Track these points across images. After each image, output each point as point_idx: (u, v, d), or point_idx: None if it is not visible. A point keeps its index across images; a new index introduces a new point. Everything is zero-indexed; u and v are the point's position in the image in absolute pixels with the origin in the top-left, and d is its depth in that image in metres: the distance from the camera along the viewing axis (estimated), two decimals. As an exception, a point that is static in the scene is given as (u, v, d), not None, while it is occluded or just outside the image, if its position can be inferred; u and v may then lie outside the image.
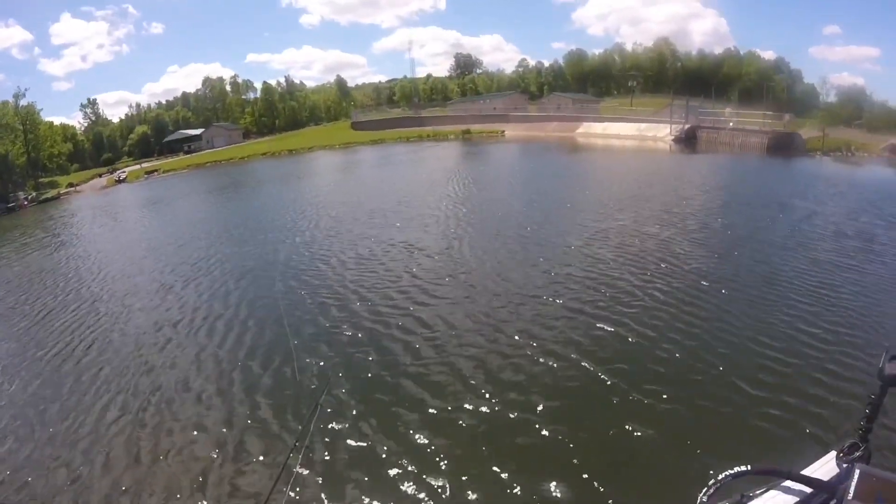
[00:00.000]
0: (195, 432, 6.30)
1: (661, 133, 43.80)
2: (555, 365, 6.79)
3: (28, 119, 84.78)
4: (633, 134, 46.63)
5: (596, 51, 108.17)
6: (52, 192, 69.58)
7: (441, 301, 9.42)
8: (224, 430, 6.26)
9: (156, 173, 69.29)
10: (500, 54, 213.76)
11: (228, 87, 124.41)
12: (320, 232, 16.74)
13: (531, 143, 47.74)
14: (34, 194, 69.63)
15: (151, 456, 5.98)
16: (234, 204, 28.25)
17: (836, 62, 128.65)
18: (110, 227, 27.58)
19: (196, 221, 23.69)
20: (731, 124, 40.15)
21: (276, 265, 13.14)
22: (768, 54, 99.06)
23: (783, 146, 32.90)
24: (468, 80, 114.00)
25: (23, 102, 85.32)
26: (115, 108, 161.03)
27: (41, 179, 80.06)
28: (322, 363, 7.51)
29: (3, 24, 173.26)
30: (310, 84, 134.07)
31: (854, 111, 50.28)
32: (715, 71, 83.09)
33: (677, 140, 40.94)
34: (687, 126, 42.02)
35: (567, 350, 7.15)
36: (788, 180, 22.47)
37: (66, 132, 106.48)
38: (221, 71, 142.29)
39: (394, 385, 6.74)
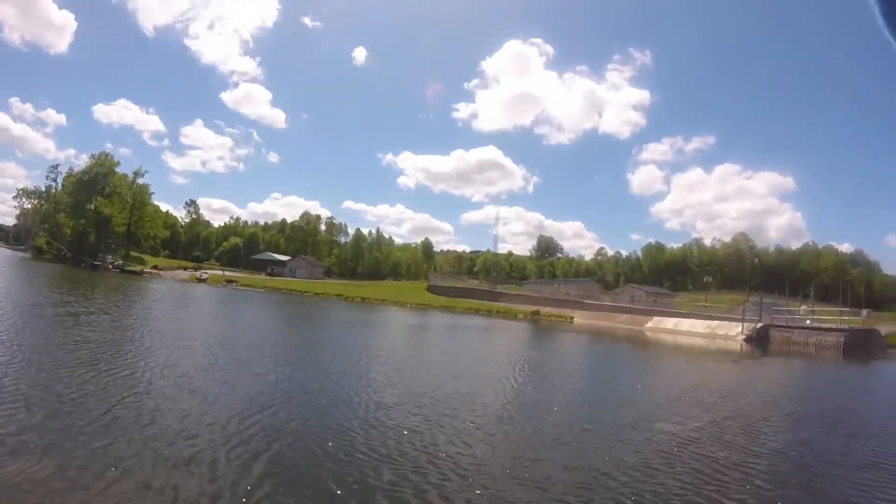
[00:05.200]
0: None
1: (732, 332, 43.40)
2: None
3: (139, 197, 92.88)
4: (703, 332, 46.34)
5: (674, 245, 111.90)
6: (136, 267, 77.89)
7: None
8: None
9: (235, 284, 74.52)
10: (579, 241, 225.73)
11: (323, 226, 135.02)
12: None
13: (598, 334, 48.09)
14: (121, 262, 77.88)
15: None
16: (297, 340, 25.77)
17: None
18: (174, 313, 30.59)
19: (252, 342, 21.62)
20: (807, 322, 39.57)
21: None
22: (845, 247, 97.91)
23: (861, 344, 32.08)
24: (547, 262, 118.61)
25: (139, 181, 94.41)
26: (218, 213, 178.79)
27: (132, 252, 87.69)
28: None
29: (146, 111, 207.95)
30: (398, 241, 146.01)
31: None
32: (791, 266, 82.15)
33: (748, 339, 40.45)
34: (759, 325, 41.71)
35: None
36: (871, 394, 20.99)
37: (169, 220, 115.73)
38: (319, 210, 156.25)
39: None
